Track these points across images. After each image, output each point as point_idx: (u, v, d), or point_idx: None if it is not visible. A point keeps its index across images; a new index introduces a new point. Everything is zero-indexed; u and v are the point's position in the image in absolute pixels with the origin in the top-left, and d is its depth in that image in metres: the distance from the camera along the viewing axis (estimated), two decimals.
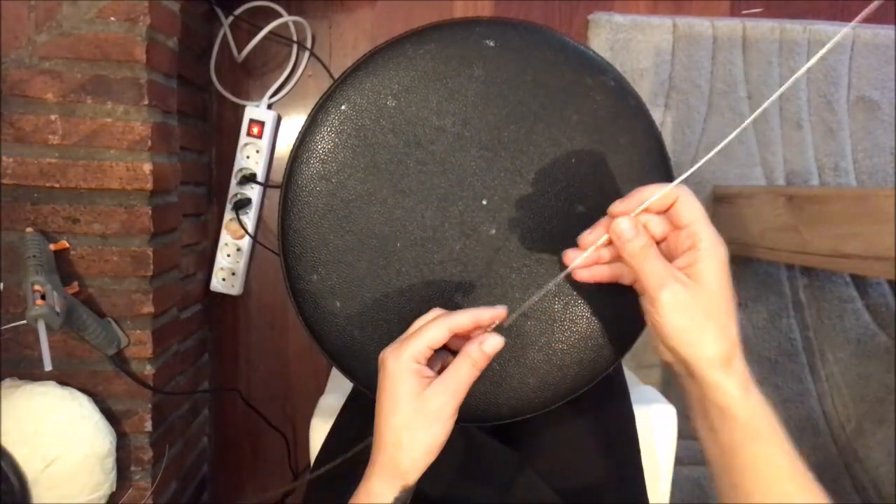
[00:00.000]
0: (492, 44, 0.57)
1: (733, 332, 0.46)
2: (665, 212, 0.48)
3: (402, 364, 0.47)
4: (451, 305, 0.58)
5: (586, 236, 0.50)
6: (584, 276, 0.51)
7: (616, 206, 0.48)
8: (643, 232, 0.47)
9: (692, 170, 0.47)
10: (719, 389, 0.45)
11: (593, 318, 0.58)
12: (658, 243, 0.48)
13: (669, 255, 0.48)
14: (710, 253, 0.45)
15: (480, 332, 0.48)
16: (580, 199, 0.58)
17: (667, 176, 0.59)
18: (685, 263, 0.46)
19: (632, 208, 0.47)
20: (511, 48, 0.57)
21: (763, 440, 0.45)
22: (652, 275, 0.46)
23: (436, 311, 0.50)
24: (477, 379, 0.47)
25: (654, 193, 0.46)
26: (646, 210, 0.47)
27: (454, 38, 0.57)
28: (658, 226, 0.48)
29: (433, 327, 0.47)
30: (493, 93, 0.57)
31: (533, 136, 0.57)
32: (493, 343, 0.47)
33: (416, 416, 0.46)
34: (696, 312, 0.45)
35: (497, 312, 0.48)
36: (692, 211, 0.46)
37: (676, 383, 0.50)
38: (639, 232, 0.47)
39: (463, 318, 0.48)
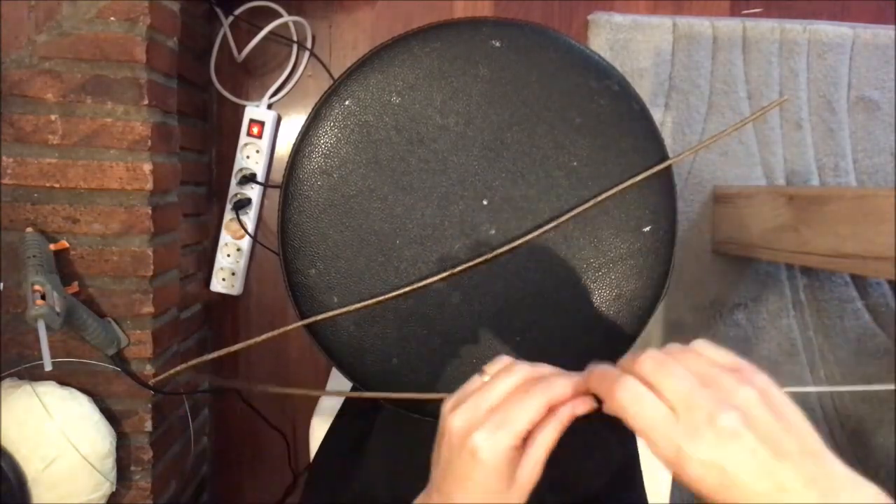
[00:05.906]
0: (498, 44, 0.57)
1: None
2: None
3: (503, 455, 0.39)
4: (448, 305, 0.58)
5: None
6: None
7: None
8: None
9: None
10: None
11: (589, 324, 0.58)
12: None
13: None
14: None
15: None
16: (580, 202, 0.58)
17: (667, 180, 0.59)
18: None
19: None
20: (517, 49, 0.57)
21: None
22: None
23: (505, 360, 0.42)
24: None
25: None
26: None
27: (461, 37, 0.58)
28: None
29: (531, 405, 0.39)
30: (498, 93, 0.57)
31: (535, 137, 0.57)
32: (585, 406, 0.40)
33: (504, 496, 0.39)
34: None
35: (601, 370, 0.39)
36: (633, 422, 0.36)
37: None
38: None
39: (564, 389, 0.40)
